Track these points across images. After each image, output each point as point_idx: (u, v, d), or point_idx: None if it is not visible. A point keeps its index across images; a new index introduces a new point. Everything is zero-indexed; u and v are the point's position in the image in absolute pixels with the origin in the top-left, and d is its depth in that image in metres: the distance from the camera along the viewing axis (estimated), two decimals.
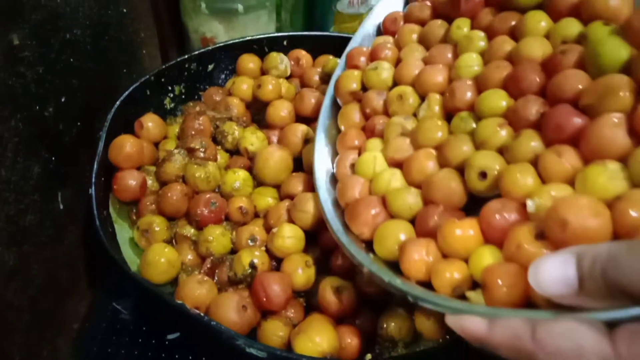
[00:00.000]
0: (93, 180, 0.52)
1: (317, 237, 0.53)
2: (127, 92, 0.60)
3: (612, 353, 0.23)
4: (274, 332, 0.46)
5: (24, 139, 0.44)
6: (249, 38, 0.71)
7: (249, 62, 0.70)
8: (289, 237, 0.50)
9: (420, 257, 0.38)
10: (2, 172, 0.41)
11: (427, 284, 0.37)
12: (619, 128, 0.32)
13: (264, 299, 0.46)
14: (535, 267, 0.28)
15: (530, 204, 0.33)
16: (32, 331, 0.47)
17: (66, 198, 0.51)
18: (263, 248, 0.52)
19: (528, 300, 0.31)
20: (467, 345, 0.34)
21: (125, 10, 0.66)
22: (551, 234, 0.30)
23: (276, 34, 0.71)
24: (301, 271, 0.49)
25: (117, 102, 0.59)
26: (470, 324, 0.30)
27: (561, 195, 0.32)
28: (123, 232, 0.55)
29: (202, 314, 0.43)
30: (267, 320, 0.47)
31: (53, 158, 0.49)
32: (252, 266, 0.49)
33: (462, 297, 0.36)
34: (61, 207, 0.51)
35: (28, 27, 0.44)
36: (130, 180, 0.55)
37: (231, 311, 0.44)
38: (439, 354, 0.43)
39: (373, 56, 0.54)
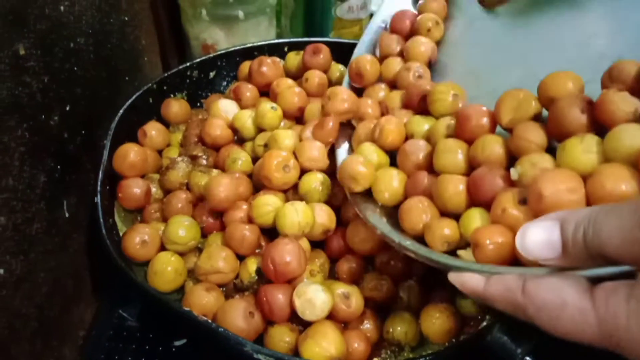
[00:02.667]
0: (98, 189, 0.52)
1: (322, 244, 0.53)
2: (130, 101, 0.61)
3: (591, 307, 0.26)
4: (281, 338, 0.46)
5: (30, 148, 0.44)
6: (250, 45, 0.72)
7: None
8: None
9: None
10: (9, 180, 0.42)
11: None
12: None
13: (268, 312, 0.46)
14: (522, 232, 0.30)
15: (513, 172, 0.38)
16: (39, 339, 0.47)
17: (71, 206, 0.51)
18: None
19: (514, 259, 0.34)
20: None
21: (126, 19, 0.66)
22: (531, 203, 0.34)
23: (277, 41, 0.71)
24: (306, 280, 0.49)
25: (121, 111, 0.59)
26: (470, 279, 0.34)
27: (542, 165, 0.36)
28: None
29: (209, 321, 0.43)
30: (273, 326, 0.47)
31: (58, 166, 0.49)
32: (258, 273, 0.50)
33: (453, 253, 0.40)
34: (66, 215, 0.51)
35: (33, 37, 0.44)
36: (134, 188, 0.55)
37: (238, 318, 0.45)
38: (445, 358, 0.43)
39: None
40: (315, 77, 0.63)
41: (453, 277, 0.36)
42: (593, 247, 0.27)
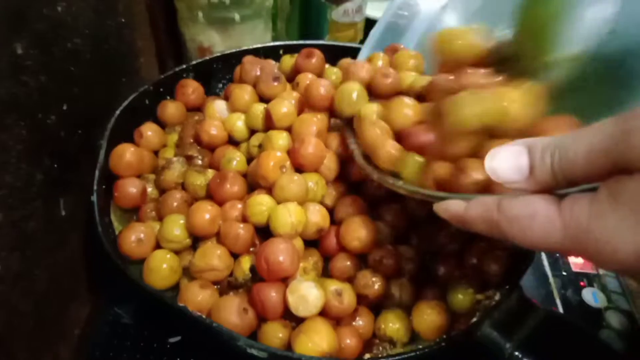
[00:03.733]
0: (95, 188, 0.52)
1: (316, 243, 0.54)
2: (126, 102, 0.61)
3: (558, 215, 0.28)
4: (274, 334, 0.46)
5: (28, 146, 0.45)
6: (246, 48, 0.72)
7: None
8: None
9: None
10: (6, 178, 0.42)
11: None
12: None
13: (261, 310, 0.47)
14: (491, 156, 0.32)
15: None
16: (36, 336, 0.48)
17: (68, 204, 0.52)
18: None
19: None
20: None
21: (123, 20, 0.67)
22: None
23: (273, 44, 0.72)
24: (299, 277, 0.49)
25: (117, 112, 0.59)
26: (452, 205, 0.36)
27: None
28: None
29: (203, 317, 0.44)
30: (267, 322, 0.47)
31: (55, 165, 0.50)
32: (252, 271, 0.50)
33: None
34: (63, 213, 0.51)
35: (31, 36, 0.45)
36: (130, 188, 0.55)
37: (232, 314, 0.45)
38: (436, 353, 0.44)
39: None
40: (306, 80, 0.64)
41: (437, 207, 0.38)
42: (560, 169, 0.28)
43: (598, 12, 0.46)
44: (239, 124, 0.62)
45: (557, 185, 0.29)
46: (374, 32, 0.65)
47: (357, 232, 0.50)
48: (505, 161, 0.31)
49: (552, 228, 0.28)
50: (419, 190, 0.43)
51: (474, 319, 0.44)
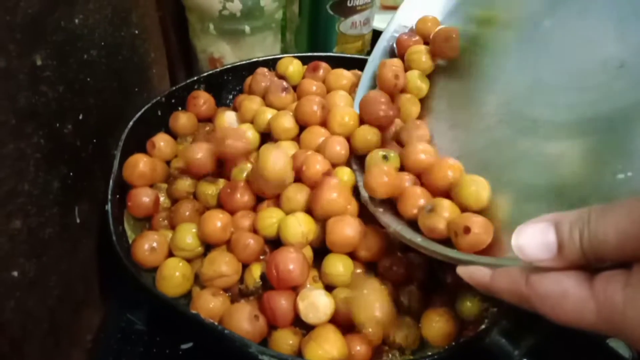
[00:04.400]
0: (109, 197, 0.53)
1: (324, 251, 0.54)
2: (139, 113, 0.62)
3: (591, 296, 0.27)
4: (285, 341, 0.47)
5: (45, 154, 0.46)
6: (256, 59, 0.74)
7: None
8: None
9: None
10: (25, 186, 0.43)
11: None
12: None
13: (272, 317, 0.48)
14: (517, 233, 0.31)
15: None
16: (49, 341, 0.48)
17: (82, 212, 0.53)
18: None
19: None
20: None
21: (137, 32, 0.68)
22: None
23: (282, 55, 0.73)
24: (309, 286, 0.50)
25: (130, 123, 0.60)
26: (477, 272, 0.36)
27: None
28: None
29: (216, 324, 0.45)
30: (277, 329, 0.48)
31: (71, 173, 0.50)
32: (263, 279, 0.51)
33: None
34: (78, 221, 0.52)
35: (50, 48, 0.46)
36: (143, 197, 0.57)
37: (244, 321, 0.46)
38: None
39: None
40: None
41: (461, 271, 0.38)
42: (590, 247, 0.27)
43: None
44: (248, 134, 0.63)
45: (587, 263, 0.28)
46: (374, 56, 0.66)
47: (367, 240, 0.51)
48: (532, 239, 0.30)
49: (585, 309, 0.27)
50: (439, 251, 0.43)
51: (483, 326, 0.45)
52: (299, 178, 0.55)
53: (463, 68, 0.58)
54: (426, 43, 0.62)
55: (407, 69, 0.61)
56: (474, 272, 0.36)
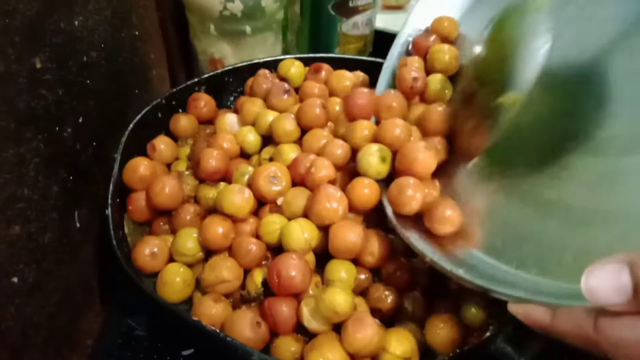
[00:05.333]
0: (109, 201, 0.52)
1: (326, 257, 0.54)
2: (139, 116, 0.61)
3: None
4: (287, 348, 0.46)
5: (45, 159, 0.45)
6: (257, 61, 0.73)
7: None
8: None
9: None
10: (24, 191, 0.43)
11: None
12: None
13: (272, 324, 0.47)
14: (588, 274, 0.28)
15: None
16: (49, 348, 0.48)
17: (82, 217, 0.52)
18: None
19: None
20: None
21: (137, 33, 0.67)
22: None
23: (283, 57, 0.72)
24: (311, 292, 0.50)
25: (130, 126, 0.60)
26: (534, 312, 0.33)
27: None
28: None
29: (217, 331, 0.44)
30: (279, 337, 0.48)
31: (70, 177, 0.50)
32: (265, 284, 0.50)
33: None
34: (77, 225, 0.52)
35: (49, 50, 0.45)
36: (144, 201, 0.56)
37: (245, 328, 0.45)
38: None
39: None
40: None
41: (514, 309, 0.35)
42: None
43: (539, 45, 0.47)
44: (250, 137, 0.62)
45: None
46: (389, 59, 0.64)
47: (371, 245, 0.50)
48: (605, 281, 0.27)
49: None
50: (486, 286, 0.39)
51: (488, 333, 0.44)
52: (298, 182, 0.55)
53: None
54: (445, 41, 0.61)
55: (429, 69, 0.61)
56: (530, 312, 0.33)
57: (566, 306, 0.31)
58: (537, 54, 0.46)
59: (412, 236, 0.47)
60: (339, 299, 0.44)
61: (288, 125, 0.60)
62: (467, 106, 0.53)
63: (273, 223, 0.52)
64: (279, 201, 0.54)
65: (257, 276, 0.51)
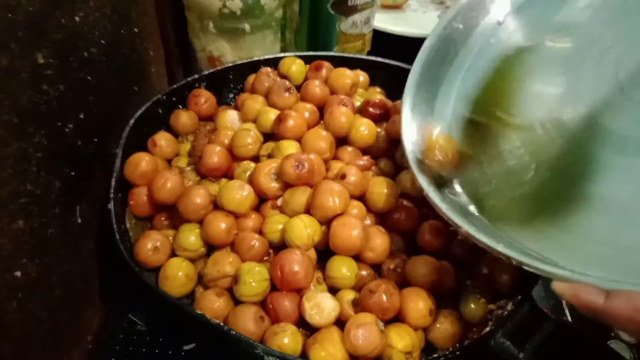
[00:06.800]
0: (111, 196, 0.53)
1: (328, 253, 0.54)
2: (140, 112, 0.61)
3: None
4: None
5: (47, 154, 0.45)
6: (257, 58, 0.73)
7: None
8: None
9: None
10: (27, 186, 0.43)
11: None
12: None
13: (274, 319, 0.47)
14: None
15: None
16: (50, 342, 0.48)
17: (83, 212, 0.52)
18: None
19: None
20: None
21: (136, 30, 0.67)
22: None
23: (284, 55, 0.72)
24: (313, 287, 0.50)
25: (131, 121, 0.60)
26: (585, 292, 0.30)
27: None
28: None
29: (221, 324, 0.44)
30: None
31: (72, 173, 0.50)
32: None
33: None
34: (79, 220, 0.52)
35: (51, 46, 0.45)
36: (145, 196, 0.56)
37: (249, 322, 0.46)
38: None
39: None
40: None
41: (561, 288, 0.32)
42: None
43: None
44: (251, 133, 0.62)
45: None
46: (426, 48, 0.56)
47: (371, 242, 0.51)
48: None
49: None
50: (528, 262, 0.36)
51: (487, 329, 0.45)
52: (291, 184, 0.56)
53: None
54: None
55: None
56: (580, 292, 0.31)
57: (622, 288, 0.30)
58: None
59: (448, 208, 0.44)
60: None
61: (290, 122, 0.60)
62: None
63: (277, 222, 0.53)
64: (279, 202, 0.55)
65: None
